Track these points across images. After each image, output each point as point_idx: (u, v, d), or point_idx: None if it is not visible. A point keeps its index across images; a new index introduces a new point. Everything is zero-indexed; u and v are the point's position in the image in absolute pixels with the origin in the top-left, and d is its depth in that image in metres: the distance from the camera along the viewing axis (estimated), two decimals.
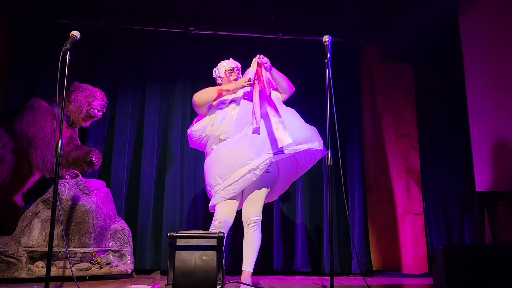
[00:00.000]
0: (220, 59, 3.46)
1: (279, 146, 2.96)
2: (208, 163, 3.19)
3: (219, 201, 3.05)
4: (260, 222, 3.09)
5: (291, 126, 3.04)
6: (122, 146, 4.51)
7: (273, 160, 3.04)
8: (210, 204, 3.15)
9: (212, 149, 3.20)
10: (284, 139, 2.93)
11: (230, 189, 3.00)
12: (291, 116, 3.17)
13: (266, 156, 2.99)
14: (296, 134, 3.03)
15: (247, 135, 3.10)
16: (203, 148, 3.33)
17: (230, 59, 3.43)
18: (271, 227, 4.45)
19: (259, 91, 3.12)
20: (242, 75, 3.41)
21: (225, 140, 3.14)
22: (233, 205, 3.08)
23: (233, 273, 3.92)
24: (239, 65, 3.43)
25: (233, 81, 3.30)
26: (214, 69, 3.47)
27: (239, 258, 3.18)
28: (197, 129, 3.26)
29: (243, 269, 3.07)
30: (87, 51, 4.58)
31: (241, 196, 3.14)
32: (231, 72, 3.32)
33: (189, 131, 3.33)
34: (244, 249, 3.09)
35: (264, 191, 3.13)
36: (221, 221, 3.02)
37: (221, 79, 3.39)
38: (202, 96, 3.21)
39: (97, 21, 4.56)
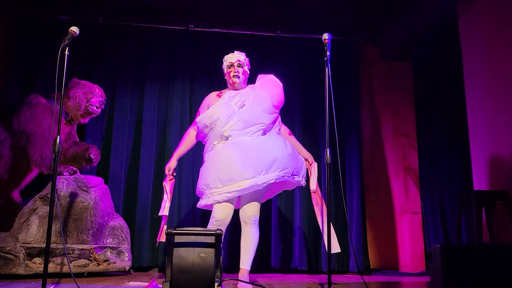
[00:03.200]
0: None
1: (332, 251, 3.02)
2: (210, 160, 3.12)
3: (212, 203, 3.02)
4: (257, 220, 3.08)
5: (291, 158, 3.10)
6: (121, 143, 4.50)
7: (276, 181, 3.03)
8: (202, 203, 3.09)
9: (214, 144, 3.13)
10: (335, 246, 3.14)
11: (228, 195, 2.96)
12: (290, 147, 3.18)
13: (272, 175, 2.97)
14: (294, 165, 3.11)
15: (257, 144, 3.04)
16: (203, 138, 3.29)
17: (235, 52, 3.33)
18: (269, 225, 4.46)
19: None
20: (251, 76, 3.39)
21: (228, 138, 3.09)
22: (230, 207, 3.06)
23: (231, 270, 3.92)
24: (241, 58, 3.29)
25: (233, 78, 3.27)
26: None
27: (237, 255, 3.18)
28: (199, 119, 3.25)
29: (240, 267, 3.06)
30: (86, 48, 4.57)
31: (238, 198, 3.12)
32: (231, 68, 3.27)
33: (197, 119, 3.29)
34: (241, 247, 3.08)
35: (261, 192, 3.11)
36: (219, 219, 3.01)
37: (225, 76, 3.35)
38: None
39: (96, 18, 4.55)
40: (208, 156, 3.16)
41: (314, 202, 3.28)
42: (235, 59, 3.27)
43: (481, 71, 3.80)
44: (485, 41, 3.76)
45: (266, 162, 2.98)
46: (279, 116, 3.32)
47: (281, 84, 3.37)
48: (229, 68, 3.28)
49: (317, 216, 3.28)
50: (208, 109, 3.26)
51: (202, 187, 3.11)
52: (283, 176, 3.02)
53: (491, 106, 3.67)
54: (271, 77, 3.41)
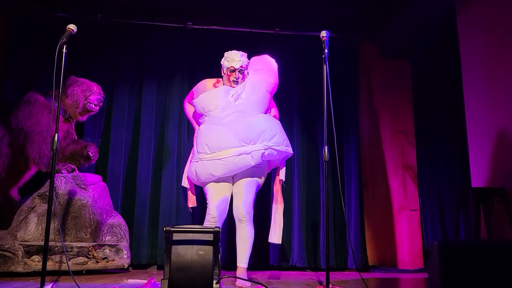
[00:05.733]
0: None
1: (269, 239, 3.29)
2: (201, 131, 3.20)
3: (200, 170, 3.06)
4: (251, 217, 3.10)
5: (281, 128, 3.20)
6: (119, 141, 4.50)
7: (265, 154, 3.04)
8: (192, 168, 3.14)
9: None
10: (277, 237, 3.25)
11: (219, 163, 3.00)
12: (278, 121, 3.29)
13: (261, 145, 3.02)
14: (284, 136, 3.19)
15: (246, 120, 3.10)
16: (197, 118, 3.35)
17: (239, 55, 3.29)
18: (267, 222, 4.45)
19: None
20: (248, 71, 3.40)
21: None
22: (224, 197, 3.08)
23: (230, 267, 3.93)
24: (243, 63, 3.28)
25: (232, 82, 3.27)
26: (224, 54, 3.36)
27: (235, 252, 3.18)
28: (196, 103, 3.28)
29: (237, 265, 3.07)
30: (84, 45, 4.56)
31: (232, 183, 3.15)
32: (232, 73, 3.27)
33: (195, 101, 3.33)
34: (237, 245, 3.10)
35: (253, 184, 3.12)
36: (215, 215, 3.03)
37: (223, 72, 3.34)
38: (186, 111, 3.53)
39: (94, 16, 4.54)
40: (202, 127, 3.23)
41: (275, 189, 3.38)
42: (238, 65, 3.26)
43: (479, 68, 3.81)
44: (483, 39, 3.76)
45: (254, 133, 3.03)
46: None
47: (275, 66, 3.41)
48: (231, 72, 3.28)
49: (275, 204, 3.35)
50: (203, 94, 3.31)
51: (192, 154, 3.22)
52: (272, 146, 3.05)
53: (489, 103, 3.67)
54: (265, 59, 3.43)
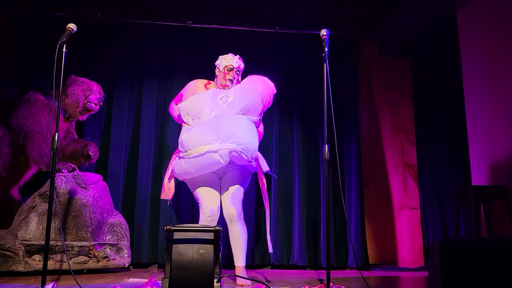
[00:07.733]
0: (217, 53, 3.44)
1: (270, 250, 3.39)
2: (182, 130, 3.24)
3: (177, 167, 3.12)
4: (242, 216, 3.11)
5: (253, 138, 3.08)
6: (119, 140, 4.50)
7: (234, 154, 2.95)
8: (174, 163, 3.20)
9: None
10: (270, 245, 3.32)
11: (189, 162, 3.01)
12: (256, 132, 3.19)
13: (228, 145, 2.94)
14: (254, 147, 3.06)
15: (221, 119, 3.06)
16: (181, 122, 3.35)
17: (236, 57, 3.33)
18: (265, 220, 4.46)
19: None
20: (241, 80, 3.38)
21: None
22: (215, 195, 3.09)
23: (230, 266, 3.93)
24: (241, 66, 3.33)
25: (228, 81, 3.27)
26: (220, 56, 3.38)
27: None
28: (183, 106, 3.24)
29: (235, 265, 3.08)
30: (84, 44, 4.55)
31: (220, 187, 3.16)
32: (230, 71, 3.28)
33: (180, 105, 3.28)
34: (232, 245, 3.10)
35: (240, 187, 3.13)
36: (210, 214, 3.04)
37: (218, 71, 3.35)
38: (172, 112, 3.47)
39: (94, 14, 4.54)
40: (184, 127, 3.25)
41: (263, 184, 3.31)
42: (236, 65, 3.30)
43: (479, 65, 3.81)
44: (483, 36, 3.76)
45: (225, 132, 2.97)
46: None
47: (272, 87, 3.36)
48: (228, 70, 3.29)
49: (265, 199, 3.34)
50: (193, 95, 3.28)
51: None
52: (241, 151, 2.95)
53: (490, 101, 3.67)
54: (265, 80, 3.40)
